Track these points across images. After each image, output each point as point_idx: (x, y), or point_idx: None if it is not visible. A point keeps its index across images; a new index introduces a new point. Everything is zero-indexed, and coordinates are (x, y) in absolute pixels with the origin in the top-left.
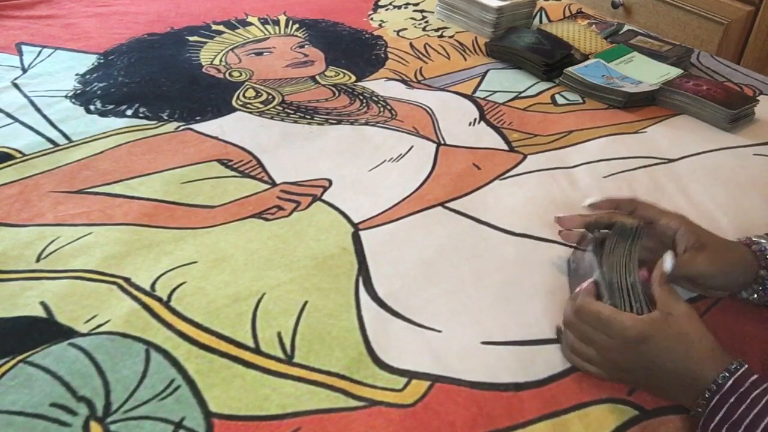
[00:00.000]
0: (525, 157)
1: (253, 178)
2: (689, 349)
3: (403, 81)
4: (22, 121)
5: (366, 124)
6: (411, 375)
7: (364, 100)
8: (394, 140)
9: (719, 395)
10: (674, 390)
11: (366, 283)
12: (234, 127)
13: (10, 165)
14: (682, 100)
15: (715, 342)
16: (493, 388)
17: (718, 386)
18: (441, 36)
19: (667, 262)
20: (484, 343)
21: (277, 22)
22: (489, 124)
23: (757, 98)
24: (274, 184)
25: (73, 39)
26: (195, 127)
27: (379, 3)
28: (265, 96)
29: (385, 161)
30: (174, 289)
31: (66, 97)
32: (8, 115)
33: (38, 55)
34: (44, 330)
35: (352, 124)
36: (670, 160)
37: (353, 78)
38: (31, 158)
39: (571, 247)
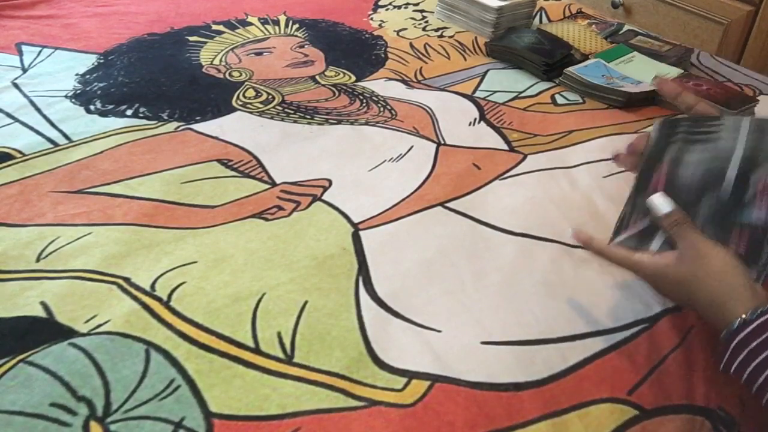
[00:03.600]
0: (525, 157)
1: (253, 178)
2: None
3: (403, 81)
4: (22, 121)
5: (366, 124)
6: (411, 375)
7: (364, 100)
8: (394, 140)
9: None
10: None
11: (366, 283)
12: (234, 127)
13: (10, 165)
14: None
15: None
16: (493, 388)
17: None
18: (441, 36)
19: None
20: (484, 343)
21: (277, 22)
22: (489, 124)
23: (757, 98)
24: (274, 184)
25: (73, 39)
26: (195, 127)
27: (379, 3)
28: (265, 96)
29: (385, 161)
30: (174, 289)
31: (66, 97)
32: (8, 115)
33: (38, 55)
34: (44, 330)
35: (352, 124)
36: None
37: (353, 78)
38: (31, 158)
39: (567, 245)
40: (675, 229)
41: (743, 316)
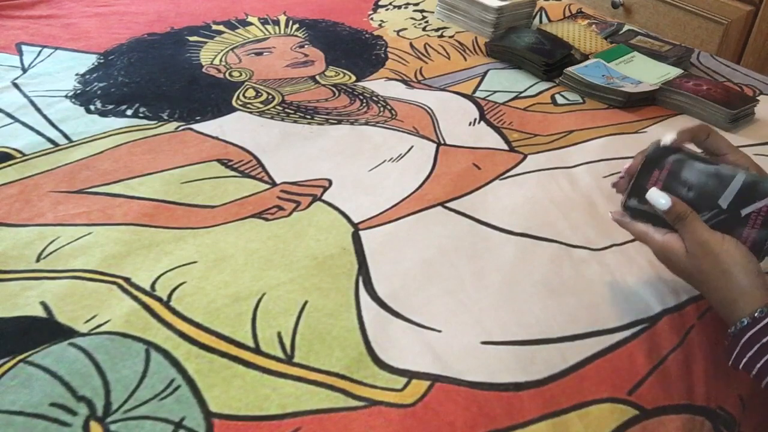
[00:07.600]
0: (525, 157)
1: (253, 178)
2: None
3: (403, 81)
4: (22, 121)
5: (366, 124)
6: (411, 375)
7: (364, 100)
8: (394, 140)
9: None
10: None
11: (366, 283)
12: (234, 127)
13: (10, 165)
14: (682, 100)
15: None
16: (493, 388)
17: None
18: (441, 36)
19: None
20: (484, 343)
21: (277, 22)
22: (489, 124)
23: (757, 98)
24: (274, 184)
25: (73, 39)
26: (195, 127)
27: (379, 3)
28: (265, 96)
29: (385, 161)
30: (174, 289)
31: (66, 97)
32: (8, 115)
33: (38, 55)
34: (44, 330)
35: (352, 124)
36: None
37: (353, 78)
38: (31, 158)
39: (567, 245)
40: (679, 224)
41: (755, 314)
